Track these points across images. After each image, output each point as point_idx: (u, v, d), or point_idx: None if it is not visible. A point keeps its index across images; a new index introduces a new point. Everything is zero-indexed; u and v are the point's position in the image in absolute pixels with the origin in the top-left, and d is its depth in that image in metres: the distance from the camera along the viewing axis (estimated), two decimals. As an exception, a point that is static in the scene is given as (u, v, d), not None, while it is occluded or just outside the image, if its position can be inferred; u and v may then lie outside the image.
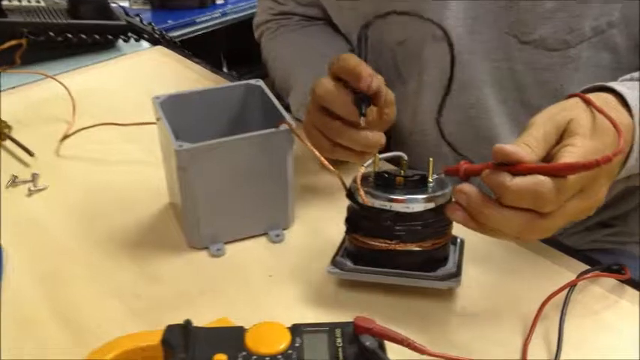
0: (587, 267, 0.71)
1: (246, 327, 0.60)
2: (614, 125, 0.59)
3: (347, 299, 0.68)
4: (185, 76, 1.14)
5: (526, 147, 0.57)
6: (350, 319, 0.58)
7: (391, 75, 0.86)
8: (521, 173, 0.56)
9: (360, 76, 0.70)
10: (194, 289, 0.70)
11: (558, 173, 0.55)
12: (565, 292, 0.66)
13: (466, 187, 0.59)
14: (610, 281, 0.69)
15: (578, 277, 0.67)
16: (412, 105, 0.89)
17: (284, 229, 0.78)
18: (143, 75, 1.15)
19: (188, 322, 0.60)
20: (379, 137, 0.73)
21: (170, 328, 0.60)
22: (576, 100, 0.63)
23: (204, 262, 0.74)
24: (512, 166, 0.56)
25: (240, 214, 0.75)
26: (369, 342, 0.56)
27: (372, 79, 0.69)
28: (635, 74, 0.70)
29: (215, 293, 0.70)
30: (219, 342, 0.58)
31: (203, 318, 0.62)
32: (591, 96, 0.63)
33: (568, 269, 0.71)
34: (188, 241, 0.76)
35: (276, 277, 0.72)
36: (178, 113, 0.79)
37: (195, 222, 0.74)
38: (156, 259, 0.75)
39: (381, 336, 0.57)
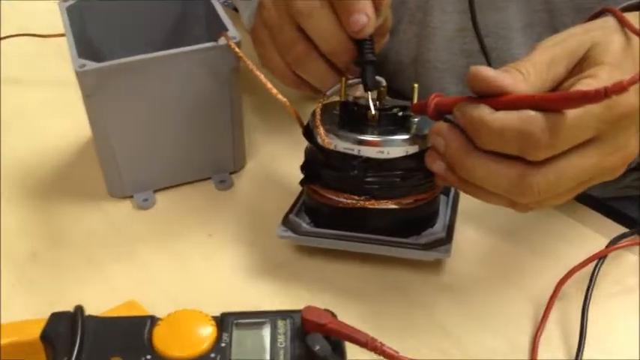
0: (620, 227, 0.54)
1: (160, 315, 0.44)
2: None
3: (305, 270, 0.53)
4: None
5: (517, 73, 0.42)
6: (308, 296, 0.47)
7: None
8: (505, 108, 0.40)
9: (350, 8, 0.49)
10: (107, 253, 0.55)
11: (552, 106, 0.39)
12: (591, 265, 0.49)
13: (443, 127, 0.44)
14: (649, 247, 0.53)
15: (608, 245, 0.51)
16: (415, 26, 0.70)
17: (231, 173, 0.61)
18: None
19: (78, 310, 0.44)
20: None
21: (54, 318, 0.45)
22: (606, 19, 0.47)
23: (125, 217, 0.58)
24: (494, 98, 0.41)
25: (172, 154, 0.59)
26: (318, 345, 0.41)
27: (367, 19, 0.50)
28: None
29: (133, 260, 0.54)
30: (118, 339, 0.44)
31: (110, 297, 0.48)
32: (628, 15, 0.46)
33: (596, 231, 0.55)
34: (108, 189, 0.60)
35: (217, 237, 0.56)
36: (97, 24, 0.62)
37: (112, 165, 0.57)
38: (66, 211, 0.59)
39: (338, 335, 0.42)
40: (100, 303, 0.48)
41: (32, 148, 0.66)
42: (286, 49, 0.53)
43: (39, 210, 0.59)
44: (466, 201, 0.55)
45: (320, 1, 0.51)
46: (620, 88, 0.36)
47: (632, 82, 0.37)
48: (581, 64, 0.44)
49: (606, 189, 0.73)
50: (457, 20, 0.68)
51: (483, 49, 0.61)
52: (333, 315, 0.44)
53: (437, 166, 0.45)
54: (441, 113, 0.45)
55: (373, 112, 0.49)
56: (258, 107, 0.68)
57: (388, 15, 0.55)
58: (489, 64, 0.60)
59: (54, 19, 0.58)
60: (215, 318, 0.44)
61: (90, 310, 0.45)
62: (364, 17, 0.49)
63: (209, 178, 0.61)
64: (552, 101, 0.39)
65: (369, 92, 0.50)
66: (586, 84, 0.41)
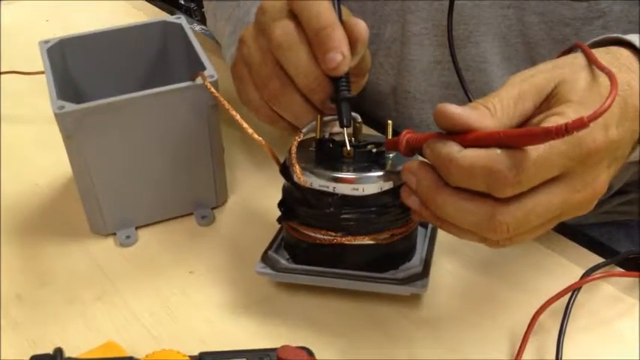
0: (596, 257, 0.55)
1: (139, 356, 0.45)
2: (609, 76, 0.42)
3: (284, 306, 0.53)
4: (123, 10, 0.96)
5: (483, 109, 0.42)
6: (288, 333, 0.47)
7: (367, 20, 0.67)
8: (472, 144, 0.41)
9: (325, 45, 0.50)
10: (89, 292, 0.55)
11: (516, 142, 0.40)
12: (566, 296, 0.50)
13: (414, 165, 0.44)
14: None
15: (583, 276, 0.51)
16: (392, 58, 0.71)
17: (213, 208, 0.62)
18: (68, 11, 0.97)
19: (57, 353, 0.45)
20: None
21: (34, 360, 0.44)
22: (576, 55, 0.47)
23: (108, 255, 0.58)
24: (461, 135, 0.41)
25: (154, 191, 0.59)
26: (293, 385, 0.41)
27: (342, 58, 0.50)
28: None
29: (114, 299, 0.54)
30: (96, 380, 0.43)
31: (91, 337, 0.50)
32: (599, 51, 0.47)
33: (572, 261, 0.55)
34: (91, 226, 0.60)
35: (198, 275, 0.56)
36: (79, 64, 0.62)
37: (94, 203, 0.58)
38: (50, 249, 0.59)
39: (313, 373, 0.42)
40: (81, 343, 0.49)
41: (16, 185, 0.66)
42: (263, 84, 0.54)
43: (23, 248, 0.59)
44: (443, 233, 0.55)
45: (299, 37, 0.51)
46: (580, 125, 0.37)
47: (592, 118, 0.37)
48: (549, 101, 0.44)
49: (587, 215, 0.74)
50: (434, 53, 0.69)
51: (462, 82, 0.61)
52: (310, 352, 0.44)
53: (411, 200, 0.45)
54: (413, 150, 0.46)
55: (349, 148, 0.49)
56: (240, 143, 0.69)
57: (366, 55, 0.55)
58: (468, 97, 0.61)
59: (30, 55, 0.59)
60: (193, 358, 0.45)
61: (70, 350, 0.46)
62: (339, 55, 0.50)
63: (191, 214, 0.61)
64: (516, 137, 0.40)
65: (345, 129, 0.50)
66: (553, 121, 0.41)
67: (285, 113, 0.54)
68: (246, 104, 0.56)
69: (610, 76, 0.42)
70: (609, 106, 0.38)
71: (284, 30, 0.51)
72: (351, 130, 0.51)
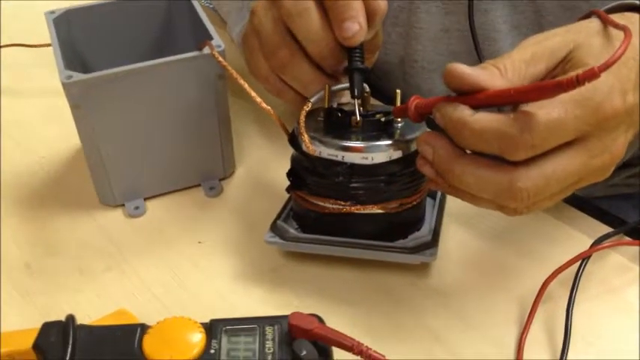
0: (604, 227, 0.55)
1: (150, 323, 0.45)
2: (624, 30, 0.42)
3: (293, 275, 0.53)
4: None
5: (493, 69, 0.42)
6: (297, 302, 0.47)
7: None
8: (483, 104, 0.41)
9: (343, 14, 0.49)
10: (99, 262, 0.55)
11: (528, 97, 0.40)
12: (575, 265, 0.50)
13: (431, 135, 0.44)
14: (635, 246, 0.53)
15: (592, 245, 0.51)
16: (400, 27, 0.71)
17: (221, 180, 0.62)
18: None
19: (70, 320, 0.45)
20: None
21: (47, 328, 0.46)
22: (590, 20, 0.46)
23: (117, 225, 0.58)
24: (471, 95, 0.41)
25: (162, 162, 0.59)
26: (305, 351, 0.41)
27: (359, 28, 0.49)
28: None
29: (124, 268, 0.55)
30: (109, 347, 0.44)
31: (102, 305, 0.50)
32: (613, 16, 0.46)
33: (580, 231, 0.55)
34: (100, 197, 0.60)
35: (207, 245, 0.56)
36: (84, 34, 0.62)
37: (102, 174, 0.58)
38: (59, 221, 0.59)
39: (324, 340, 0.42)
40: (92, 311, 0.49)
41: (25, 157, 0.66)
42: (272, 53, 0.53)
43: (32, 220, 0.59)
44: (452, 203, 0.56)
45: (311, 2, 0.51)
46: (591, 75, 0.37)
47: (603, 68, 0.37)
48: (563, 66, 0.44)
49: (595, 188, 0.73)
50: (442, 21, 0.68)
51: (477, 49, 0.61)
52: (320, 320, 0.44)
53: (427, 169, 0.45)
54: (422, 115, 0.45)
55: (359, 118, 0.49)
56: (247, 113, 0.69)
57: (379, 32, 0.55)
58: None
59: (46, 26, 0.59)
60: (204, 325, 0.45)
61: (81, 318, 0.46)
62: (356, 25, 0.49)
63: (199, 185, 0.61)
64: (527, 92, 0.39)
65: (356, 100, 0.50)
66: None
67: (294, 82, 0.53)
68: (254, 74, 0.56)
69: (624, 30, 0.41)
70: (620, 55, 0.38)
71: None
72: (343, 99, 0.51)
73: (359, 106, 0.50)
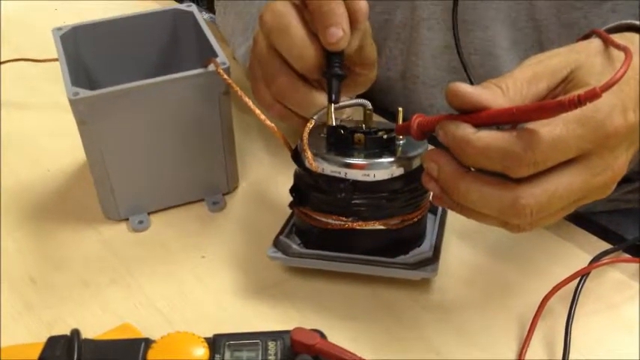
0: (604, 243, 0.55)
1: (154, 338, 0.46)
2: (624, 50, 0.42)
3: (295, 290, 0.54)
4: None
5: (495, 88, 0.43)
6: (299, 317, 0.47)
7: (377, 5, 0.67)
8: (485, 122, 0.42)
9: (327, 21, 0.50)
10: (103, 276, 0.56)
11: (530, 117, 0.40)
12: (575, 281, 0.50)
13: (436, 152, 0.44)
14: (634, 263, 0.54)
15: (592, 261, 0.52)
16: (402, 43, 0.72)
17: (224, 195, 0.62)
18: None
19: (75, 334, 0.46)
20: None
21: (52, 342, 0.46)
22: (591, 40, 0.47)
23: (121, 240, 0.59)
24: (474, 114, 0.42)
25: (166, 177, 0.60)
26: (307, 366, 0.42)
27: (343, 33, 0.50)
28: None
29: (128, 282, 0.55)
30: (113, 360, 0.44)
31: (106, 320, 0.51)
32: (613, 36, 0.47)
33: (581, 248, 0.56)
34: (104, 211, 0.61)
35: (211, 259, 0.57)
36: (91, 50, 0.63)
37: (107, 189, 0.58)
38: (63, 235, 0.60)
39: (326, 355, 0.43)
40: (97, 326, 0.50)
41: (30, 171, 0.67)
42: (271, 81, 0.54)
43: (37, 233, 0.60)
44: (453, 220, 0.56)
45: (292, 18, 0.52)
46: (593, 95, 0.37)
47: (605, 88, 0.37)
48: (565, 85, 0.44)
49: (594, 203, 0.74)
50: (444, 37, 0.69)
51: (465, 69, 0.62)
52: (322, 335, 0.45)
53: (432, 186, 0.45)
54: (425, 133, 0.46)
55: (333, 123, 0.50)
56: (251, 129, 0.70)
57: (371, 45, 0.56)
58: (470, 82, 0.61)
59: (52, 42, 0.60)
60: (207, 339, 0.45)
61: (86, 332, 0.47)
62: (340, 31, 0.50)
63: (202, 200, 0.62)
64: (530, 111, 0.40)
65: (332, 105, 0.51)
66: None
67: (295, 107, 0.54)
68: (259, 102, 0.56)
69: (625, 50, 0.42)
70: (622, 76, 0.38)
71: (273, 12, 0.52)
72: (345, 115, 0.52)
73: (333, 112, 0.51)
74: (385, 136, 0.50)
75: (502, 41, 0.68)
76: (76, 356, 0.44)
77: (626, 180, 0.74)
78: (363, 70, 0.56)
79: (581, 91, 0.38)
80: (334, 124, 0.51)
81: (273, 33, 0.52)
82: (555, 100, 0.39)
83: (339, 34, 0.50)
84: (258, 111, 0.53)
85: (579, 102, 0.37)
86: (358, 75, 0.56)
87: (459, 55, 0.62)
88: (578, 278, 0.51)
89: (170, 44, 0.65)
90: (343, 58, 0.52)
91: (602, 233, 0.57)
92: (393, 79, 0.75)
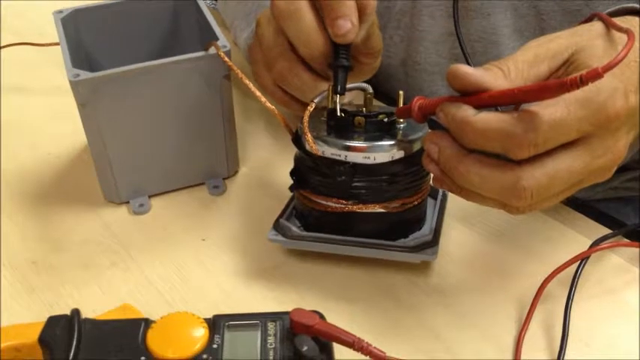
0: (604, 229, 0.55)
1: (154, 318, 0.46)
2: (627, 33, 0.42)
3: (295, 273, 0.54)
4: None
5: (497, 70, 0.43)
6: (299, 299, 0.48)
7: None
8: (487, 104, 0.41)
9: (336, 12, 0.50)
10: (104, 258, 0.56)
11: (531, 97, 0.40)
12: (574, 265, 0.50)
13: (436, 134, 0.44)
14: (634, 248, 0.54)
15: (591, 246, 0.52)
16: (402, 30, 0.71)
17: (225, 178, 0.63)
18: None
19: (75, 314, 0.46)
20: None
21: (52, 321, 0.46)
22: (592, 23, 0.47)
23: (122, 222, 0.59)
24: (475, 96, 0.42)
25: (167, 160, 0.60)
26: (306, 346, 0.42)
27: (351, 26, 0.50)
28: None
29: (128, 264, 0.55)
30: (113, 341, 0.45)
31: (106, 300, 0.51)
32: (615, 20, 0.47)
33: (580, 232, 0.56)
34: (105, 194, 0.61)
35: (211, 242, 0.57)
36: (91, 34, 0.63)
37: (108, 172, 0.59)
38: (64, 217, 0.60)
39: (325, 336, 0.43)
40: (97, 306, 0.50)
41: (31, 154, 0.67)
42: (272, 65, 0.54)
43: (38, 216, 0.60)
44: (453, 203, 0.56)
45: (304, 3, 0.51)
46: (595, 75, 0.37)
47: (607, 69, 0.37)
48: (566, 68, 0.44)
49: (595, 190, 0.75)
50: (445, 24, 0.69)
51: (465, 56, 0.62)
52: (321, 316, 0.45)
53: (433, 167, 0.45)
54: (426, 115, 0.46)
55: (339, 114, 0.50)
56: (251, 113, 0.70)
57: (377, 34, 0.56)
58: None
59: (52, 26, 0.60)
60: (207, 320, 0.45)
61: (86, 313, 0.47)
62: (349, 23, 0.50)
63: (203, 184, 0.62)
64: (531, 92, 0.40)
65: (338, 96, 0.51)
66: None
67: (295, 92, 0.54)
68: (261, 86, 0.56)
69: (628, 32, 0.42)
70: (624, 56, 0.38)
71: None
72: (346, 99, 0.52)
73: (340, 102, 0.50)
74: (386, 120, 0.50)
75: (504, 29, 0.68)
76: (76, 335, 0.44)
77: (626, 168, 0.75)
78: (367, 59, 0.56)
79: (583, 72, 0.38)
80: (340, 115, 0.51)
81: (283, 16, 0.52)
82: (557, 80, 0.39)
83: (347, 26, 0.50)
84: (258, 93, 0.53)
85: (581, 82, 0.37)
86: (363, 64, 0.56)
87: (460, 42, 0.62)
88: (578, 262, 0.51)
89: (171, 28, 0.65)
90: (350, 49, 0.52)
91: (602, 219, 0.57)
92: (394, 66, 0.74)
